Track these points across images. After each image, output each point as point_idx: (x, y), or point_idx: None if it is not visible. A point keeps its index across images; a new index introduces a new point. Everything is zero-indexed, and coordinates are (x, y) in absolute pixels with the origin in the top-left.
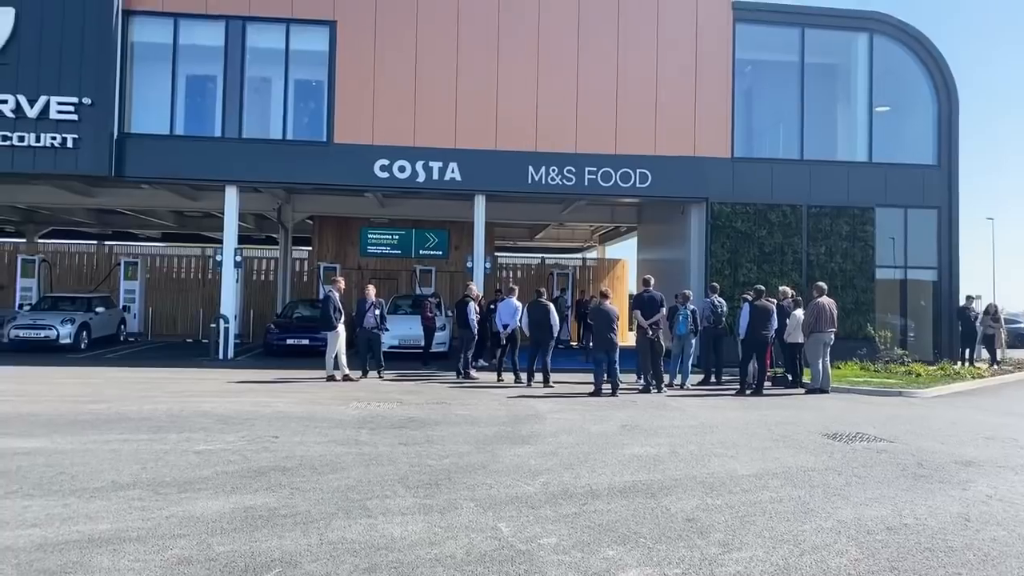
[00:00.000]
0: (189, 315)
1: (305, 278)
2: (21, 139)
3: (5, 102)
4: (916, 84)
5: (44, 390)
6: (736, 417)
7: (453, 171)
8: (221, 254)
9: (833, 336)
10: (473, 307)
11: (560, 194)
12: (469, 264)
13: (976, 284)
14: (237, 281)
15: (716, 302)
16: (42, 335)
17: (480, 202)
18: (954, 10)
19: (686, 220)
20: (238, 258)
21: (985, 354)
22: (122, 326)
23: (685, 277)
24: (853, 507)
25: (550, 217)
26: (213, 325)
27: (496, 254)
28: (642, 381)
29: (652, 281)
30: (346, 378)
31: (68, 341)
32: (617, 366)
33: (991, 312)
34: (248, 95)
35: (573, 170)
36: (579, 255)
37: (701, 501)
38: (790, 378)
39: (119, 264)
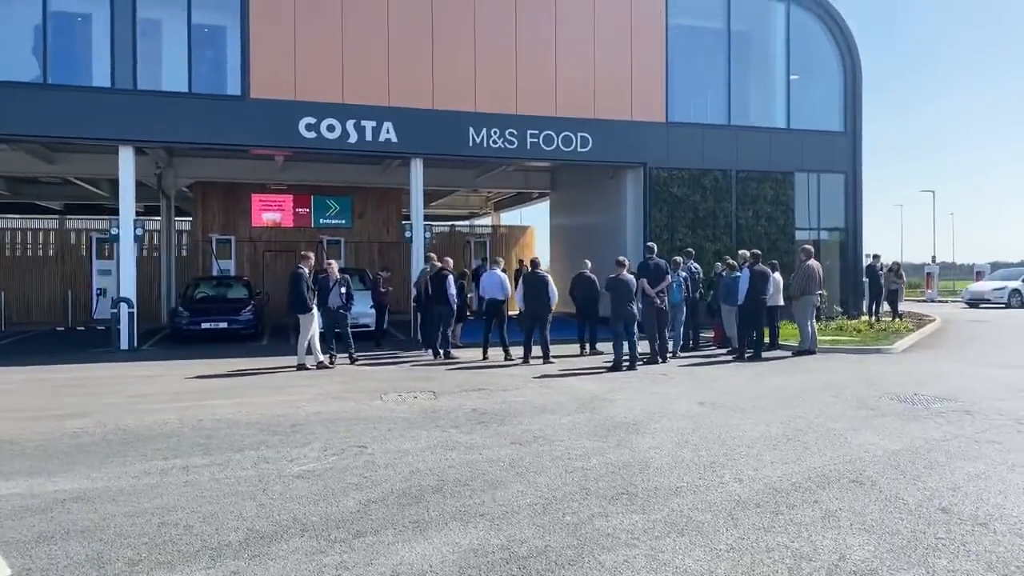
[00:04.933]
0: (47, 299)
1: (185, 252)
2: None
3: None
4: (825, 54)
5: None
6: (776, 384)
7: (388, 131)
8: (117, 227)
9: (820, 298)
10: (452, 281)
11: (503, 158)
12: (408, 234)
13: None
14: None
15: (693, 268)
16: None
17: (418, 166)
18: None
19: (619, 185)
20: (139, 231)
21: (885, 307)
22: None
23: (618, 243)
24: None
25: (463, 182)
26: (114, 311)
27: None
28: (647, 351)
29: (655, 248)
30: (321, 366)
31: None
32: (636, 337)
33: (895, 269)
34: (140, 40)
35: (515, 132)
36: (467, 222)
37: (918, 485)
38: (767, 341)
39: None
